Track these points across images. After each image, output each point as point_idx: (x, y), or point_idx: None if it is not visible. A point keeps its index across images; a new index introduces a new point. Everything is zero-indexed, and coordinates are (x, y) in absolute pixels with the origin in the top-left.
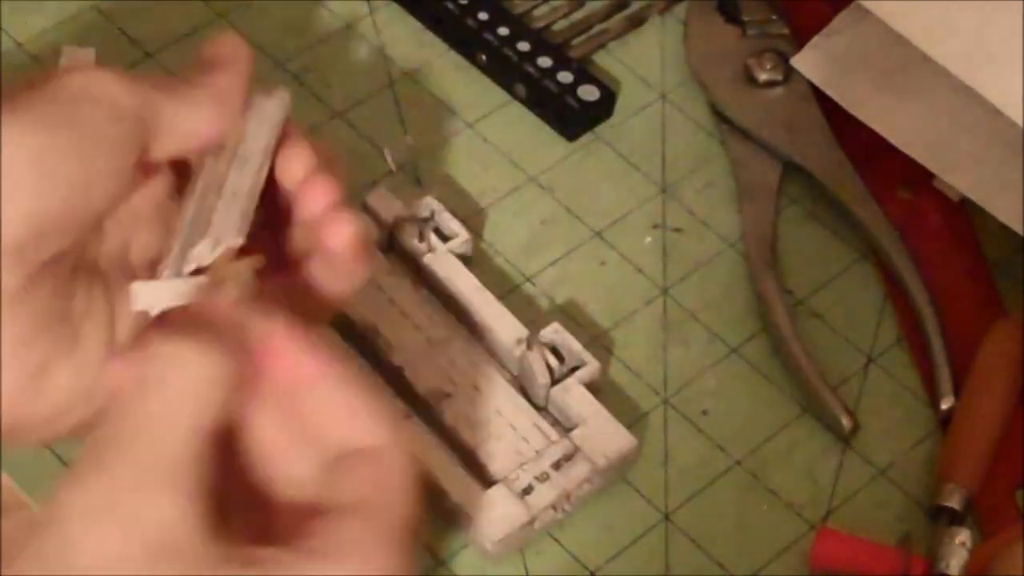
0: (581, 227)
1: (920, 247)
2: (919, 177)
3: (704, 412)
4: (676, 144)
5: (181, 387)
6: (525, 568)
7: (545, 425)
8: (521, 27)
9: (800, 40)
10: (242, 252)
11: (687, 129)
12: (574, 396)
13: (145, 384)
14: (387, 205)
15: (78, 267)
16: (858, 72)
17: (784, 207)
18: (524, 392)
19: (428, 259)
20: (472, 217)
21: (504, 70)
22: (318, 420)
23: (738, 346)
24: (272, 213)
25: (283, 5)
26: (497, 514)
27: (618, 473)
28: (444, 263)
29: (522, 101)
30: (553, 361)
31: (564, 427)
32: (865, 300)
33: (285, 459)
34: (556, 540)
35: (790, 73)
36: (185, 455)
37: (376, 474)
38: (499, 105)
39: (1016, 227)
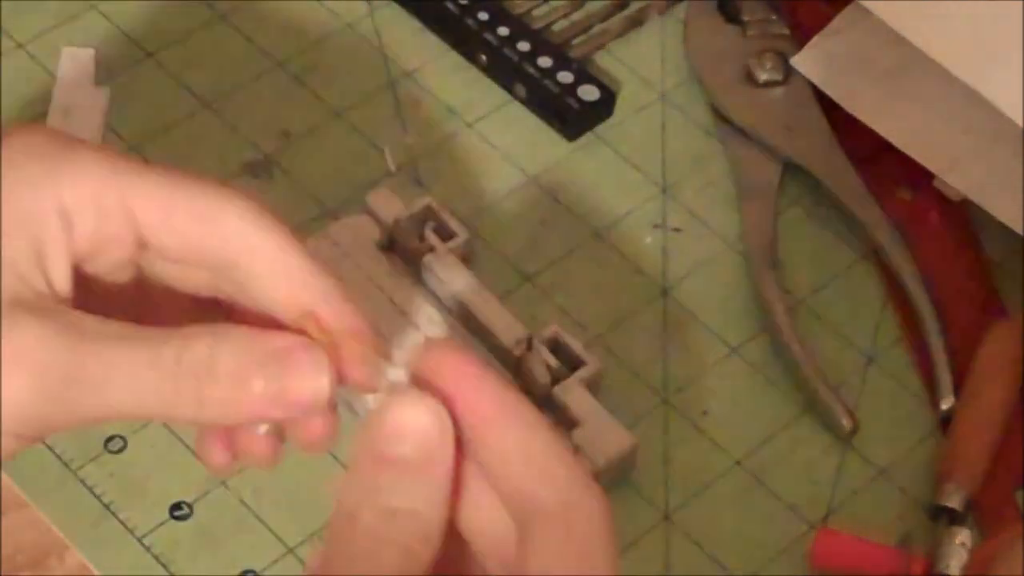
0: (581, 227)
1: (920, 247)
2: (919, 177)
3: (704, 412)
4: (676, 144)
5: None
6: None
7: None
8: (521, 27)
9: (800, 40)
10: None
11: (687, 129)
12: (574, 396)
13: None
14: (387, 205)
15: None
16: (858, 72)
17: (784, 207)
18: (524, 392)
19: (428, 259)
20: (472, 217)
21: (504, 70)
22: (500, 469)
23: (738, 346)
24: None
25: (283, 5)
26: None
27: (618, 473)
28: (444, 263)
29: (522, 101)
30: (553, 361)
31: (564, 427)
32: (865, 300)
33: (483, 520)
34: None
35: (790, 73)
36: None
37: (571, 534)
38: (499, 105)
39: (1016, 227)
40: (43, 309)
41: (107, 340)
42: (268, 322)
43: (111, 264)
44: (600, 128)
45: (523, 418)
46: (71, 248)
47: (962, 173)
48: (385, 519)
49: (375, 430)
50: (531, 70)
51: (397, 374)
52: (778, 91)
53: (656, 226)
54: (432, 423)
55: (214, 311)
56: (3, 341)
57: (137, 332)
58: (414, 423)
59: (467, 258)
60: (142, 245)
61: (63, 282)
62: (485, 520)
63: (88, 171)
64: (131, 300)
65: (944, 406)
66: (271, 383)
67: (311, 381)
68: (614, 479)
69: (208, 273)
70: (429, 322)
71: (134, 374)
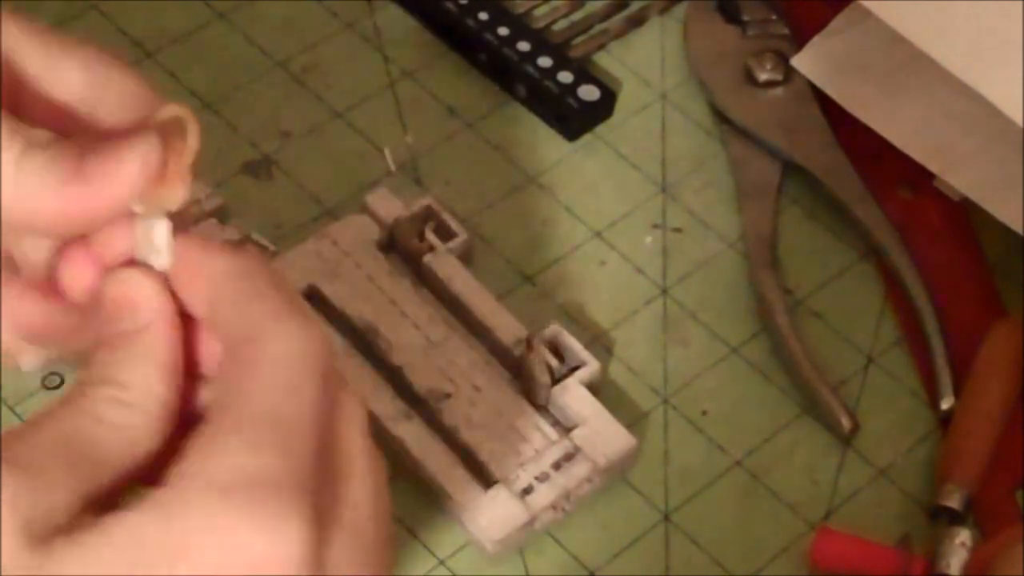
0: (581, 227)
1: (920, 247)
2: (919, 177)
3: (704, 412)
4: (676, 144)
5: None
6: (525, 568)
7: (545, 425)
8: (521, 27)
9: (800, 40)
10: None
11: (687, 129)
12: (574, 396)
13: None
14: (387, 205)
15: None
16: (858, 72)
17: (784, 207)
18: (524, 392)
19: (428, 259)
20: (472, 217)
21: (504, 70)
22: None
23: (738, 346)
24: None
25: (283, 5)
26: (497, 514)
27: (618, 473)
28: (444, 263)
29: (522, 101)
30: (553, 361)
31: (564, 427)
32: (865, 300)
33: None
34: (556, 540)
35: (790, 73)
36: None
37: (247, 371)
38: (499, 105)
39: (1016, 227)
40: None
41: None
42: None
43: None
44: (600, 128)
45: (234, 268)
46: None
47: (962, 173)
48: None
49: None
50: (531, 70)
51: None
52: (778, 91)
53: (656, 226)
54: (145, 294)
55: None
56: None
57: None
58: (128, 295)
59: (467, 258)
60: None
61: None
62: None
63: None
64: None
65: (944, 406)
66: (92, 161)
67: (133, 157)
68: (614, 479)
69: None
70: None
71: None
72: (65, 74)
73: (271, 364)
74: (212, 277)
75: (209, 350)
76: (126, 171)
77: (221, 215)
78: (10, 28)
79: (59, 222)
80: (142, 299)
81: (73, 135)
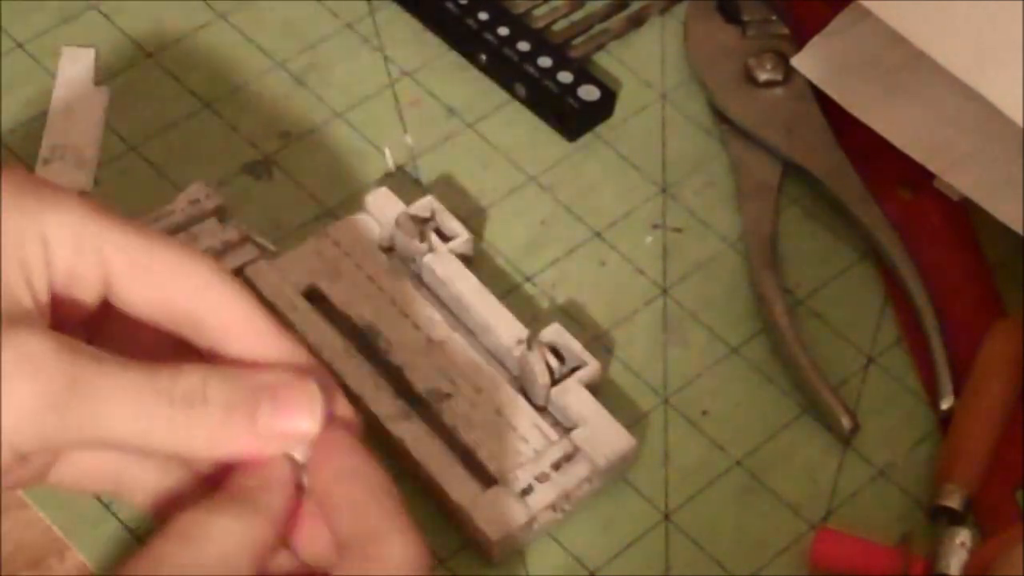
0: (581, 227)
1: (920, 247)
2: (919, 177)
3: (704, 412)
4: (676, 144)
5: (222, 552)
6: (525, 568)
7: (545, 425)
8: (521, 27)
9: (800, 40)
10: None
11: (687, 129)
12: (574, 396)
13: (189, 541)
14: (387, 205)
15: None
16: (858, 72)
17: (784, 207)
18: (524, 392)
19: (428, 259)
20: (472, 217)
21: (504, 70)
22: (336, 510)
23: (738, 346)
24: None
25: (283, 5)
26: (497, 514)
27: (618, 473)
28: (444, 263)
29: (522, 101)
30: (553, 361)
31: (564, 427)
32: (865, 300)
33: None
34: (556, 540)
35: (790, 73)
36: None
37: (375, 567)
38: (499, 105)
39: (1016, 227)
40: (39, 325)
41: (104, 360)
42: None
43: (79, 302)
44: (600, 128)
45: (359, 471)
46: (50, 275)
47: (962, 173)
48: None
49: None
50: (531, 70)
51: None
52: (778, 91)
53: (656, 226)
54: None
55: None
56: (5, 349)
57: (129, 359)
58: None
59: (467, 258)
60: (108, 291)
61: (45, 306)
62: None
63: (70, 209)
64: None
65: (944, 406)
66: (264, 415)
67: (304, 415)
68: (614, 479)
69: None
70: None
71: (131, 395)
72: (165, 293)
73: (397, 565)
74: (332, 474)
75: (309, 530)
76: (298, 426)
77: (221, 215)
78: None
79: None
80: (276, 466)
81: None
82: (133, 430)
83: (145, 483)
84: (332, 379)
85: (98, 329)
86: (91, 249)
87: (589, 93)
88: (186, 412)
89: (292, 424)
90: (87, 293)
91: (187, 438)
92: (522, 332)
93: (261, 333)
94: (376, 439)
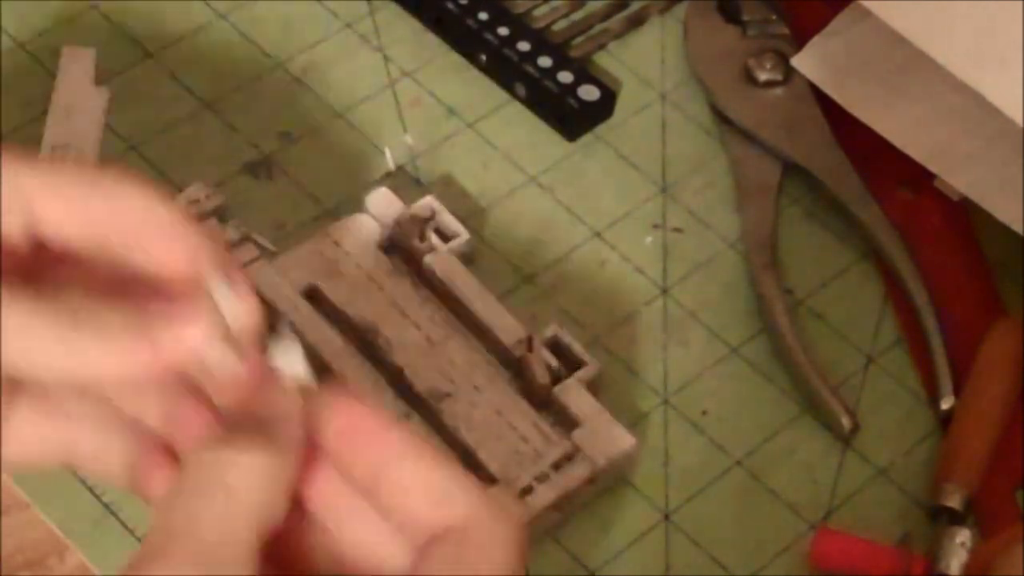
0: (581, 227)
1: (920, 247)
2: (919, 177)
3: (704, 412)
4: (676, 144)
5: (241, 492)
6: (525, 568)
7: (545, 425)
8: (521, 27)
9: (800, 40)
10: None
11: (687, 129)
12: (574, 396)
13: (203, 487)
14: (387, 205)
15: None
16: (858, 72)
17: (784, 207)
18: (524, 392)
19: (428, 259)
20: (472, 217)
21: (504, 70)
22: (400, 503)
23: (738, 346)
24: None
25: (283, 5)
26: None
27: (618, 473)
28: (444, 263)
29: (522, 101)
30: (553, 361)
31: (564, 427)
32: (865, 300)
33: (378, 552)
34: (556, 540)
35: (790, 73)
36: (245, 558)
37: (462, 554)
38: (499, 105)
39: (1016, 227)
40: None
41: (7, 289)
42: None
43: (9, 242)
44: (600, 128)
45: (419, 452)
46: None
47: (962, 173)
48: None
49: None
50: (531, 70)
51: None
52: (778, 91)
53: (656, 226)
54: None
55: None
56: None
57: (29, 289)
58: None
59: (467, 258)
60: (33, 222)
61: None
62: (377, 556)
63: None
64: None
65: (944, 406)
66: (161, 332)
67: (198, 323)
68: (614, 479)
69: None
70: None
71: (20, 317)
72: (88, 212)
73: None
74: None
75: (326, 492)
76: (188, 337)
77: (221, 215)
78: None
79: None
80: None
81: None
82: (20, 349)
83: (108, 453)
84: (245, 277)
85: (36, 277)
86: (12, 187)
87: (589, 93)
88: (75, 329)
89: (186, 332)
90: (14, 228)
91: (79, 356)
92: (522, 332)
93: (175, 238)
94: None
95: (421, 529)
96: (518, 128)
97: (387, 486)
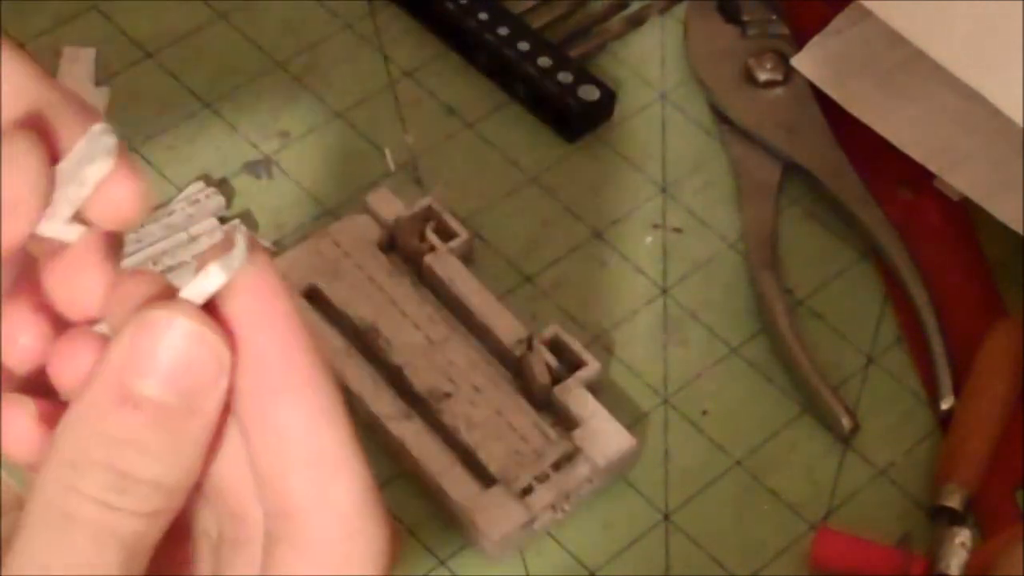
0: (581, 227)
1: (920, 247)
2: (919, 177)
3: (704, 412)
4: (676, 144)
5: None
6: (525, 568)
7: (545, 425)
8: (521, 27)
9: (800, 40)
10: None
11: (687, 129)
12: (574, 396)
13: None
14: (387, 205)
15: None
16: (858, 72)
17: (784, 207)
18: (524, 392)
19: (428, 259)
20: (472, 217)
21: (504, 70)
22: (275, 455)
23: (738, 346)
24: None
25: (283, 5)
26: (497, 514)
27: (618, 473)
28: (444, 263)
29: (522, 101)
30: (553, 361)
31: (564, 427)
32: (865, 300)
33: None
34: (556, 540)
35: (790, 73)
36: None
37: (296, 559)
38: (499, 105)
39: (1016, 227)
40: None
41: None
42: None
43: None
44: (600, 128)
45: (322, 404)
46: None
47: (962, 173)
48: (111, 493)
49: (119, 351)
50: (531, 70)
51: (53, 228)
52: (778, 91)
53: (656, 226)
54: (202, 358)
55: None
56: None
57: None
58: (175, 354)
59: (467, 258)
60: None
61: None
62: (234, 495)
63: None
64: None
65: (944, 406)
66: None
67: (27, 173)
68: (614, 479)
69: None
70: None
71: None
72: None
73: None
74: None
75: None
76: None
77: (221, 215)
78: None
79: None
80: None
81: None
82: None
83: None
84: (89, 111)
85: None
86: None
87: (589, 93)
88: None
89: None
90: None
91: None
92: (522, 332)
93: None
94: (376, 439)
95: (282, 501)
96: (518, 128)
97: (263, 424)
